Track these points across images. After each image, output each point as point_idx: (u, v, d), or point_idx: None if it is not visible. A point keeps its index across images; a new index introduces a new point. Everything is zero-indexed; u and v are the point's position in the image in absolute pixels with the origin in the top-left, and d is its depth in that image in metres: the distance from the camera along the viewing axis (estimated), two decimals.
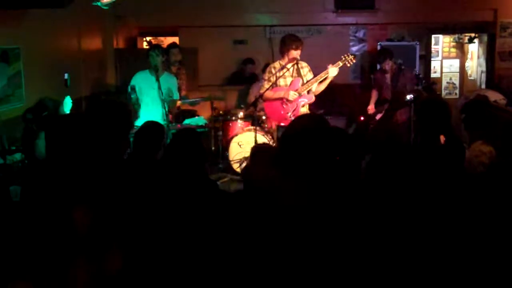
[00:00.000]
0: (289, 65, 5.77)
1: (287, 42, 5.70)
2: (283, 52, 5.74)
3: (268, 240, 2.30)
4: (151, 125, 3.71)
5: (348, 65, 5.74)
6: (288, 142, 2.47)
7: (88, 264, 2.19)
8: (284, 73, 5.81)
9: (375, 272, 2.22)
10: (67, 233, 2.20)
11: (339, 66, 5.61)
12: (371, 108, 6.88)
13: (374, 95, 6.94)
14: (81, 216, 2.21)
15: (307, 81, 5.70)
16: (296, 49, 5.66)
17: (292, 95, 5.66)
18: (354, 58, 5.70)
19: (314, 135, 2.38)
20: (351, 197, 2.33)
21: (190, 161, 2.83)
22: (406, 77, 6.55)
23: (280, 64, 5.79)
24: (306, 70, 5.84)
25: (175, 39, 9.10)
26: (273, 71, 5.78)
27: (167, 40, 9.63)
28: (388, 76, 6.75)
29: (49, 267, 2.20)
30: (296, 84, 5.76)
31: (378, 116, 6.82)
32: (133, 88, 5.66)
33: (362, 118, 7.01)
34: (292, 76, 5.81)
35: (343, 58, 5.67)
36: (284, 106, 5.77)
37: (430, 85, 7.04)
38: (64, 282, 2.18)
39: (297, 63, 5.78)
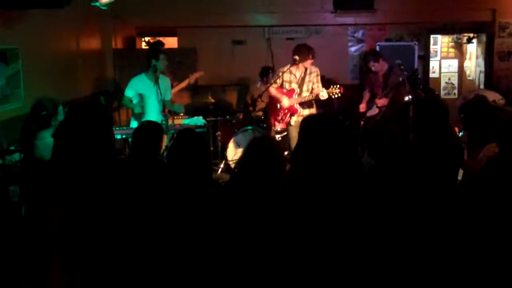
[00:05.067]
0: (297, 72, 6.09)
1: (306, 52, 5.97)
2: (299, 60, 5.97)
3: (273, 239, 2.30)
4: (148, 125, 3.71)
5: (333, 97, 5.93)
6: (306, 140, 2.47)
7: (65, 256, 2.22)
8: (291, 77, 6.14)
9: (376, 269, 2.22)
10: (44, 230, 2.23)
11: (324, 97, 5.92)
12: (362, 107, 6.94)
13: (367, 95, 6.99)
14: (57, 213, 2.24)
15: (299, 95, 6.07)
16: (312, 58, 5.99)
17: (285, 101, 6.10)
18: (341, 91, 5.87)
19: (330, 135, 2.38)
20: (355, 194, 2.33)
21: (196, 161, 2.83)
22: (396, 74, 6.61)
23: (289, 69, 6.08)
24: (312, 76, 6.11)
25: (174, 40, 9.11)
26: (280, 74, 6.13)
27: (165, 40, 9.62)
28: (380, 74, 6.81)
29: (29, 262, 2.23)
30: (291, 94, 6.12)
31: (369, 113, 6.85)
32: (142, 97, 5.68)
33: (362, 122, 7.04)
34: (297, 82, 6.12)
35: (331, 88, 5.87)
36: (279, 106, 6.20)
37: (414, 73, 7.04)
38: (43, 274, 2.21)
39: (305, 70, 6.08)
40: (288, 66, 6.09)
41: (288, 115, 6.17)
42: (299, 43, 6.21)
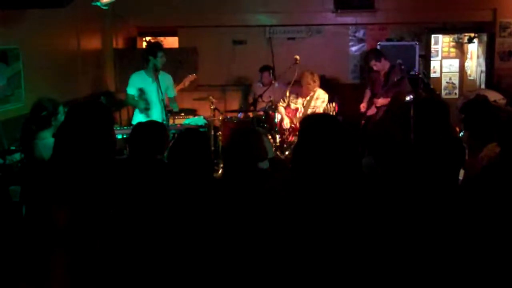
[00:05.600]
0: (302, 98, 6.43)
1: (313, 81, 6.30)
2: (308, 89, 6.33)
3: (274, 239, 2.30)
4: (152, 124, 3.67)
5: (330, 113, 6.19)
6: (305, 140, 2.47)
7: (66, 256, 2.22)
8: (297, 99, 6.47)
9: (376, 270, 2.22)
10: (45, 230, 2.24)
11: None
12: (363, 106, 6.93)
13: (367, 94, 6.97)
14: (59, 213, 2.24)
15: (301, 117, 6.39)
16: (313, 83, 6.29)
17: (285, 123, 6.51)
18: (336, 108, 6.19)
19: (329, 134, 2.38)
20: (354, 194, 2.33)
21: (199, 161, 2.82)
22: (397, 73, 6.60)
23: (297, 94, 6.45)
24: (319, 102, 6.38)
25: (175, 39, 9.10)
26: (287, 94, 6.53)
27: (166, 40, 9.62)
28: (382, 73, 6.80)
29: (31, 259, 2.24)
30: (294, 114, 6.44)
31: (369, 112, 6.85)
32: (142, 91, 5.69)
33: (362, 122, 7.05)
34: (303, 104, 6.44)
35: (327, 106, 6.23)
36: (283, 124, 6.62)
37: (419, 74, 7.04)
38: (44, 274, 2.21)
39: (312, 96, 6.35)
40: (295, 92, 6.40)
41: (291, 135, 6.35)
42: (305, 71, 6.36)
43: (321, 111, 6.26)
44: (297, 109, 6.28)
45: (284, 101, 6.48)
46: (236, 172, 2.79)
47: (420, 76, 7.53)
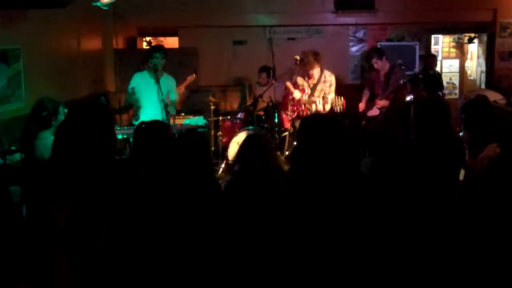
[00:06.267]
0: (310, 79, 6.40)
1: (314, 59, 6.28)
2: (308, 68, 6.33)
3: (272, 241, 2.30)
4: (155, 124, 3.65)
5: (335, 110, 6.15)
6: (304, 141, 2.47)
7: (67, 256, 2.22)
8: (304, 83, 6.48)
9: (376, 270, 2.22)
10: (46, 229, 2.24)
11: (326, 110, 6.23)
12: (361, 106, 6.91)
13: (366, 94, 6.95)
14: (60, 213, 2.25)
15: (309, 97, 6.39)
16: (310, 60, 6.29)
17: (296, 93, 6.43)
18: (344, 103, 6.08)
19: (328, 136, 2.38)
20: (353, 195, 2.33)
21: (197, 162, 2.82)
22: (397, 74, 6.59)
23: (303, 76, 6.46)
24: (327, 85, 6.36)
25: (175, 40, 9.11)
26: (294, 78, 6.56)
27: (166, 40, 9.62)
28: (382, 74, 6.77)
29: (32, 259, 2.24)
30: (301, 93, 6.47)
31: (370, 113, 6.84)
32: (133, 89, 5.67)
33: (363, 122, 7.05)
34: (308, 86, 6.43)
35: (335, 99, 6.14)
36: (290, 98, 6.62)
37: (417, 75, 7.03)
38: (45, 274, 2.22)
39: (320, 78, 6.31)
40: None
41: (296, 113, 6.37)
42: (309, 50, 6.33)
43: (331, 97, 6.19)
44: (303, 90, 6.30)
45: (291, 80, 6.52)
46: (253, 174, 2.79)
47: (436, 75, 7.60)
